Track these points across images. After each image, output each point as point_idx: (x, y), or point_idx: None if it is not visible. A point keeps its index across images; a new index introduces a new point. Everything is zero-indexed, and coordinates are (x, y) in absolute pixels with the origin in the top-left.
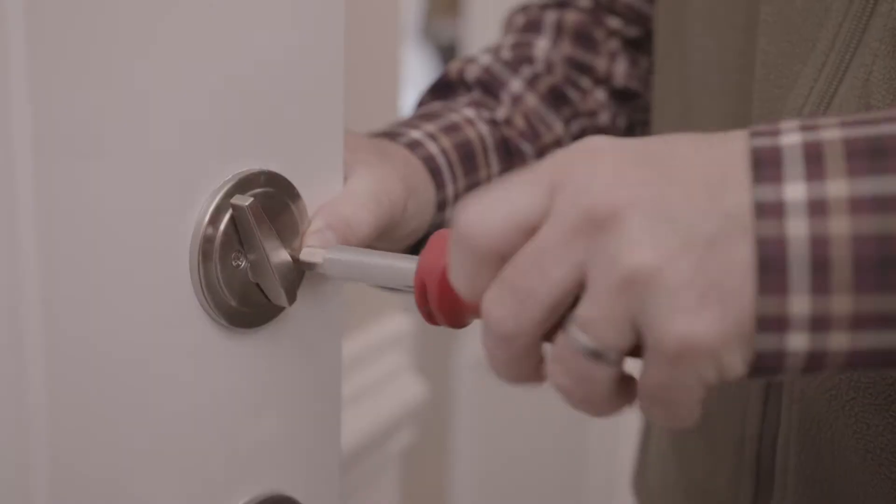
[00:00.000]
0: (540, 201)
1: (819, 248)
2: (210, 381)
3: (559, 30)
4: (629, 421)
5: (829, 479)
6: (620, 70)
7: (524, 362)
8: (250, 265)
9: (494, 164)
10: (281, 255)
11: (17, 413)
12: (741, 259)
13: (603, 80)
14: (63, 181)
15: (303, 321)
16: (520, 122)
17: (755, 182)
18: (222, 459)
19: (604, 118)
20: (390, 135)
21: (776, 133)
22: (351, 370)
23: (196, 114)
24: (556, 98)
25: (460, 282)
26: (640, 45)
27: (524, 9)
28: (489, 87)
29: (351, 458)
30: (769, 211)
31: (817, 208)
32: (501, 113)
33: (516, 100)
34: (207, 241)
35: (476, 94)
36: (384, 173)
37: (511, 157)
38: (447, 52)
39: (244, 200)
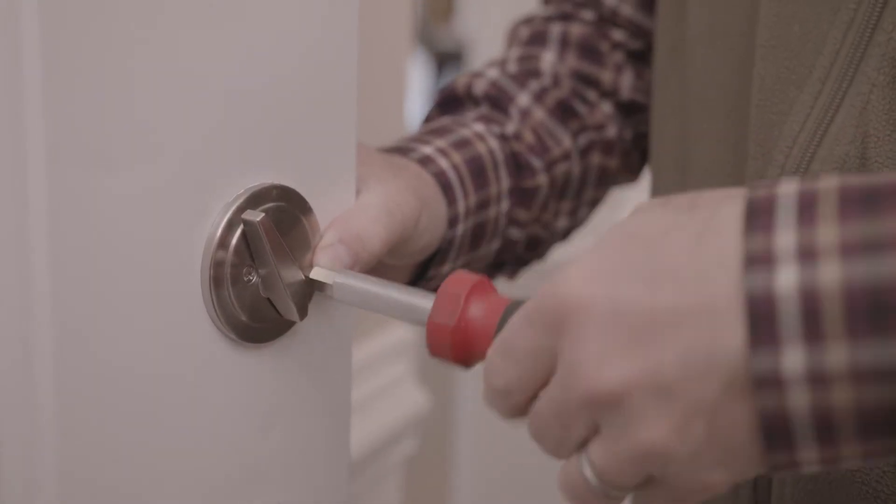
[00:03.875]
0: (545, 355)
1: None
2: (220, 395)
3: (564, 42)
4: None
5: None
6: (626, 83)
7: None
8: (261, 280)
9: (504, 179)
10: (292, 271)
11: (27, 427)
12: (745, 419)
13: (609, 94)
14: (75, 194)
15: (313, 336)
16: (529, 136)
17: (747, 269)
18: (231, 474)
19: (611, 131)
20: (401, 150)
21: (771, 264)
22: (354, 379)
23: (209, 128)
24: (563, 112)
25: (499, 411)
26: (644, 58)
27: (528, 21)
28: (497, 101)
29: (354, 466)
30: (760, 276)
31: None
32: (511, 127)
33: (525, 114)
34: (219, 256)
35: (484, 109)
36: (397, 187)
37: (521, 172)
38: (443, 57)
39: (255, 216)
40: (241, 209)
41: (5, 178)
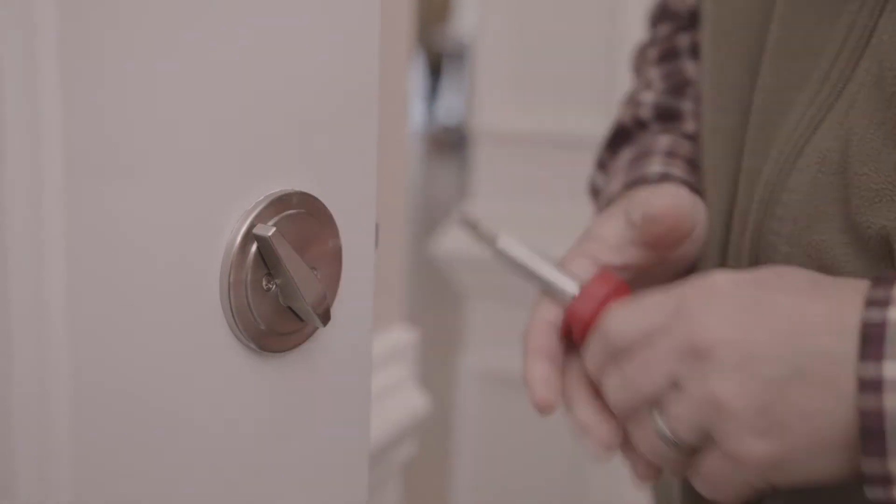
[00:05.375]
0: (663, 320)
1: None
2: (238, 405)
3: (695, 52)
4: None
5: None
6: None
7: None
8: (280, 289)
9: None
10: (310, 279)
11: (42, 437)
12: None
13: None
14: (92, 202)
15: (334, 344)
16: None
17: (860, 359)
18: (251, 484)
19: None
20: (635, 182)
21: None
22: None
23: (229, 133)
24: None
25: (589, 361)
26: None
27: (650, 43)
28: (667, 114)
29: None
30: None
31: None
32: (689, 126)
33: (695, 116)
34: (237, 265)
35: (657, 126)
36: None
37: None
38: (440, 57)
39: (267, 230)
40: (261, 216)
41: (21, 184)
